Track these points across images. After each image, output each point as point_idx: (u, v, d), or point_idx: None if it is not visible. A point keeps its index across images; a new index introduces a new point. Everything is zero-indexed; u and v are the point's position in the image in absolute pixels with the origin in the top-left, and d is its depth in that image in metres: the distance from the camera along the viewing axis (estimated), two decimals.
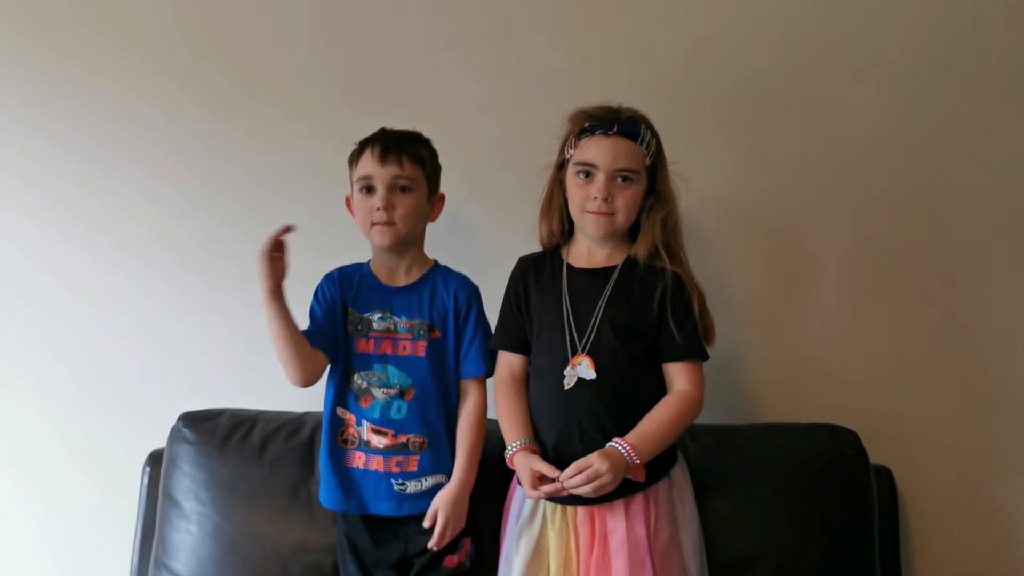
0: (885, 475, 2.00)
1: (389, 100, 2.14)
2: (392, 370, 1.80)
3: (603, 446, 1.67)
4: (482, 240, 2.12)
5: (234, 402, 2.06)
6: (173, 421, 1.99)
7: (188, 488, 1.93)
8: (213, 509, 1.91)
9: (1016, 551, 2.09)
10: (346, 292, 1.84)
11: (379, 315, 1.82)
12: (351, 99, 2.14)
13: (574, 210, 1.77)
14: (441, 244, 1.94)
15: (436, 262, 1.89)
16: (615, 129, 1.71)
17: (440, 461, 1.81)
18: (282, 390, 2.04)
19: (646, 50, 2.12)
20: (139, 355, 2.18)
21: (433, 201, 1.87)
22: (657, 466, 1.72)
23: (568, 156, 1.77)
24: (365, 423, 1.80)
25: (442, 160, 1.90)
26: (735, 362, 2.09)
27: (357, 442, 1.81)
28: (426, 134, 1.88)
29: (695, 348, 1.74)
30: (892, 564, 1.97)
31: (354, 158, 1.84)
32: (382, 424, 1.80)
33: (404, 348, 1.81)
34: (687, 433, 1.91)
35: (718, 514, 1.84)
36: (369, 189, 1.80)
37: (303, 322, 1.82)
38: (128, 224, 2.18)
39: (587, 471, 1.61)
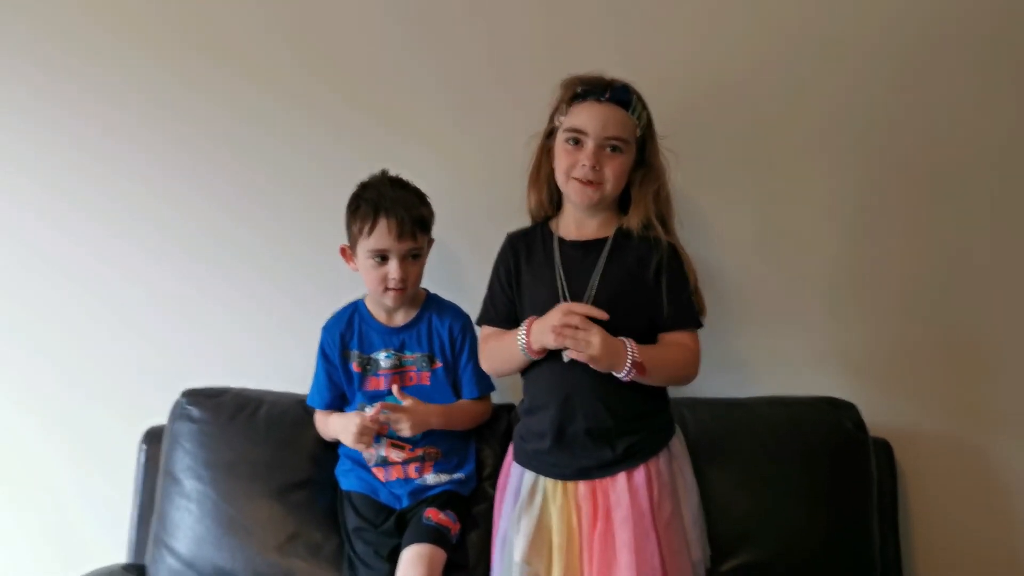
0: (884, 448, 2.01)
1: (382, 94, 2.15)
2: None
3: (604, 418, 1.69)
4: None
5: (224, 382, 2.05)
6: (167, 397, 1.98)
7: (189, 466, 1.91)
8: (213, 489, 1.89)
9: (1013, 523, 2.10)
10: (347, 337, 1.93)
11: (384, 354, 1.92)
12: (345, 89, 2.15)
13: (560, 177, 1.76)
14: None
15: (427, 293, 1.97)
16: (607, 96, 1.72)
17: (456, 464, 1.91)
18: (280, 372, 2.08)
19: (639, 31, 2.11)
20: (129, 334, 2.18)
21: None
22: (657, 437, 1.74)
23: (558, 123, 1.77)
24: (384, 439, 1.88)
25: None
26: (734, 335, 2.10)
27: (374, 459, 1.89)
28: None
29: (690, 317, 1.75)
30: (891, 536, 1.97)
31: (363, 221, 1.85)
32: (400, 439, 1.88)
33: (411, 379, 1.91)
34: (687, 406, 1.93)
35: (718, 487, 1.85)
36: (383, 259, 1.85)
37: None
38: (120, 209, 2.18)
39: (581, 332, 1.61)
